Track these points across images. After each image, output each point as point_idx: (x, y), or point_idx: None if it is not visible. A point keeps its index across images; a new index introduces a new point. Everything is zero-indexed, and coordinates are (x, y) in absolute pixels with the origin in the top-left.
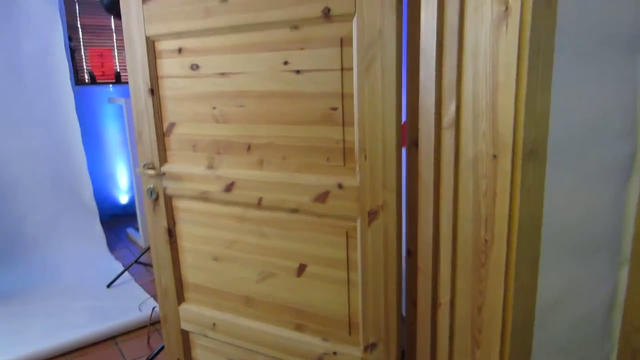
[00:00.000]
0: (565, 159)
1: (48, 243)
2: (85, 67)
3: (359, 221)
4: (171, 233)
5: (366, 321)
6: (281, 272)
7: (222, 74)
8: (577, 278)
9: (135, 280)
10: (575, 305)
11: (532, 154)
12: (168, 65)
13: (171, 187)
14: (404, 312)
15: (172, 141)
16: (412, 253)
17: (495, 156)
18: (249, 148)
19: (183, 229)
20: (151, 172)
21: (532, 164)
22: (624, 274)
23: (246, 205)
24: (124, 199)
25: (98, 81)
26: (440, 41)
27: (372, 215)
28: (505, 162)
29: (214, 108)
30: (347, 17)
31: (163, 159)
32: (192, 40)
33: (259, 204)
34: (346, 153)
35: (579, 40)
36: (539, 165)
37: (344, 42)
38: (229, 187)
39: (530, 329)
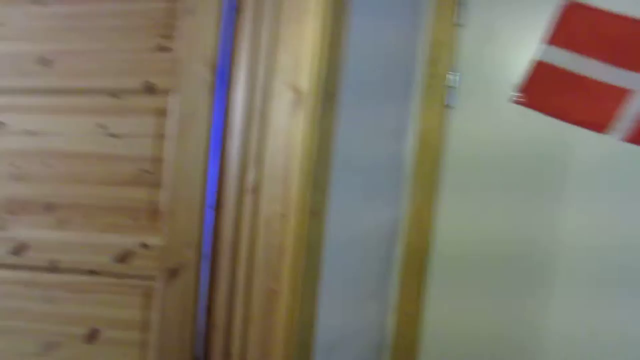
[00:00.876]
0: (342, 219)
1: None
2: None
3: (160, 280)
4: None
5: None
6: (69, 340)
7: (31, 132)
8: (353, 322)
9: None
10: (351, 346)
11: (314, 214)
12: None
13: None
14: None
15: None
16: (210, 310)
17: (284, 215)
18: (50, 208)
19: None
20: None
21: (315, 223)
22: (391, 319)
23: (38, 268)
24: None
25: None
26: (248, 118)
27: (174, 273)
28: (292, 221)
29: (15, 166)
30: (167, 92)
31: None
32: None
33: (53, 267)
34: (154, 213)
35: (358, 128)
36: (319, 225)
37: (161, 113)
38: (18, 250)
39: None
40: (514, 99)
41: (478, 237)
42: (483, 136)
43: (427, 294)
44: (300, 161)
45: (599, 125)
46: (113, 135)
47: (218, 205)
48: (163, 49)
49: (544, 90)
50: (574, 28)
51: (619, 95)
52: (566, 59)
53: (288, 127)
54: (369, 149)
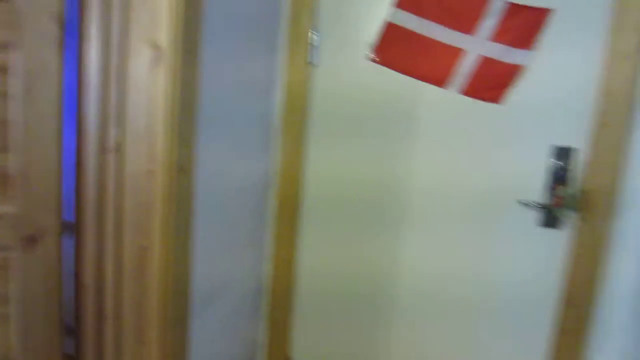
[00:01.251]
0: (212, 173)
1: None
2: None
3: (17, 250)
4: None
5: (26, 355)
6: None
7: None
8: (230, 272)
9: None
10: (229, 294)
11: (181, 169)
12: None
13: None
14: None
15: None
16: (78, 272)
17: (151, 172)
18: None
19: None
20: None
21: (183, 178)
22: (267, 265)
23: None
24: None
25: None
26: (106, 75)
27: (32, 241)
28: (159, 177)
29: None
30: (7, 47)
31: None
32: None
33: None
34: (3, 179)
35: (223, 84)
36: (188, 180)
37: (3, 69)
38: None
39: (185, 320)
40: (369, 57)
41: (341, 183)
42: (343, 92)
43: (300, 239)
44: (163, 117)
45: (440, 80)
46: None
47: (78, 167)
48: None
49: (393, 49)
50: None
51: (454, 54)
52: (411, 21)
53: (149, 84)
54: (236, 103)
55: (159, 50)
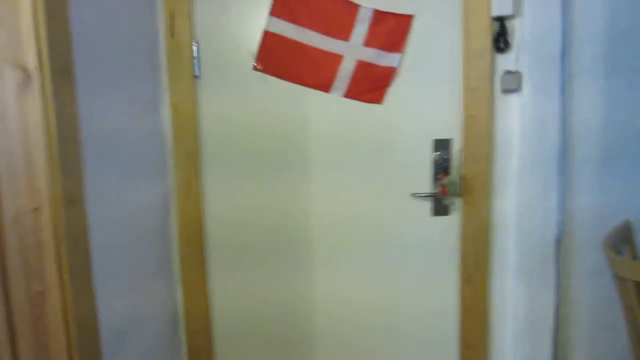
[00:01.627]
0: (106, 202)
1: None
2: None
3: None
4: None
5: None
6: None
7: None
8: (140, 304)
9: None
10: (143, 328)
11: (70, 202)
12: None
13: None
14: None
15: None
16: None
17: (36, 209)
18: None
19: None
20: None
21: (73, 212)
22: (179, 293)
23: None
24: None
25: None
26: None
27: None
28: (46, 214)
29: None
30: None
31: None
32: None
33: None
34: None
35: (105, 105)
36: (79, 212)
37: None
38: None
39: None
40: (253, 66)
41: (241, 202)
42: (230, 104)
43: (207, 262)
44: (41, 147)
45: (324, 86)
46: None
47: None
48: None
49: (276, 57)
50: (291, 2)
51: (333, 59)
52: (289, 30)
53: (19, 110)
54: (122, 125)
55: (26, 72)
